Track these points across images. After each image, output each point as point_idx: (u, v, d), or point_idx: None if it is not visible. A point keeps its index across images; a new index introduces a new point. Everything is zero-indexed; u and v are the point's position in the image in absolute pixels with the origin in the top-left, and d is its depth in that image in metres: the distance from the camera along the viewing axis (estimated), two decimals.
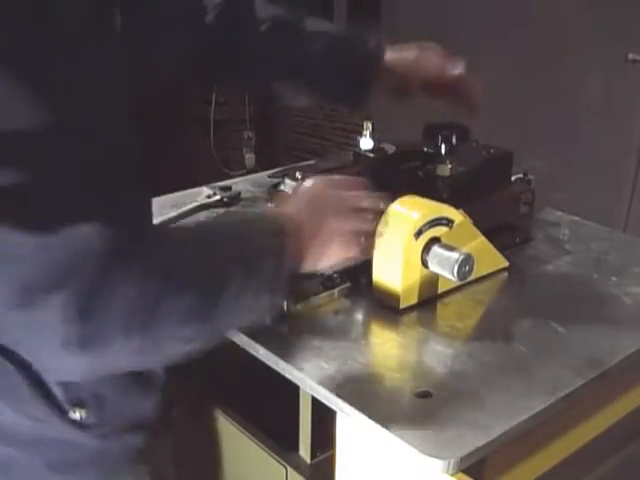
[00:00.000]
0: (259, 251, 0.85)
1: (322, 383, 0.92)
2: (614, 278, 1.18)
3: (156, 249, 0.77)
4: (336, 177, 1.02)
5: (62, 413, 0.87)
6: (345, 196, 0.97)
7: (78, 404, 0.88)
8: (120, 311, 0.72)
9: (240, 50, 1.14)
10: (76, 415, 0.87)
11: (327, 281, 1.09)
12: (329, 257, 0.95)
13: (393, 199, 1.05)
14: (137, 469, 1.00)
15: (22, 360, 0.81)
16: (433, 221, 1.03)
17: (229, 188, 1.44)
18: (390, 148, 1.30)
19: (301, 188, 0.97)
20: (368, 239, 0.99)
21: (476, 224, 1.10)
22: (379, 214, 1.00)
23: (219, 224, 0.96)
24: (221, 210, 1.39)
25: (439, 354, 0.99)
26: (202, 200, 1.40)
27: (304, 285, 1.07)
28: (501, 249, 1.16)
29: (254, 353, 1.00)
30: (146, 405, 0.97)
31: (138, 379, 0.93)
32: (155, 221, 1.25)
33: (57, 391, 0.86)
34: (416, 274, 1.05)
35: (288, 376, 0.96)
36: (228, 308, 0.81)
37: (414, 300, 1.06)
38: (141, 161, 0.84)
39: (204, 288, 0.79)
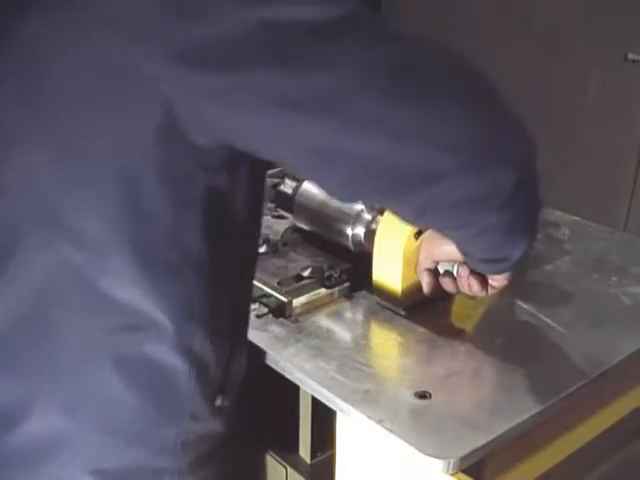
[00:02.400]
0: None
1: (322, 383, 0.92)
2: (614, 278, 1.18)
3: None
4: None
5: (211, 401, 0.86)
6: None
7: (223, 390, 0.87)
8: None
9: None
10: (218, 401, 0.87)
11: (327, 281, 1.09)
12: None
13: None
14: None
15: (197, 352, 0.81)
16: None
17: None
18: None
19: None
20: None
21: None
22: None
23: None
24: None
25: (439, 354, 0.99)
26: None
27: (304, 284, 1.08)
28: None
29: (254, 353, 1.00)
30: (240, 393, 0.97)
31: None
32: None
33: (212, 379, 0.85)
34: (416, 274, 1.05)
35: (288, 376, 0.96)
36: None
37: (414, 300, 1.06)
38: None
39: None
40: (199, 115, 0.69)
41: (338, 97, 0.68)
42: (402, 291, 1.05)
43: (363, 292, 1.11)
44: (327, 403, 0.91)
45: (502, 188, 0.78)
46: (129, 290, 0.76)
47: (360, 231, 1.12)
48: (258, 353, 1.00)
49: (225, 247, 0.80)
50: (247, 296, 0.92)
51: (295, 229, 1.25)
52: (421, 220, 0.86)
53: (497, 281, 0.96)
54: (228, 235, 0.80)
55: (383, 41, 0.71)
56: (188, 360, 0.80)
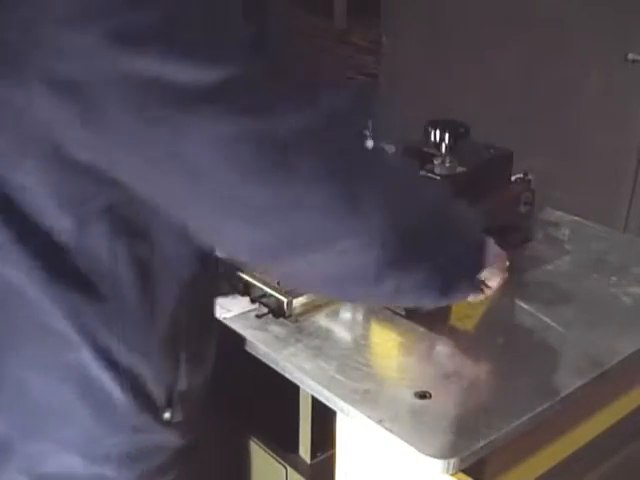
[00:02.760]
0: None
1: (322, 383, 0.92)
2: (614, 278, 1.18)
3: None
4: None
5: (159, 414, 0.86)
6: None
7: (172, 403, 0.87)
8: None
9: None
10: (167, 415, 0.86)
11: None
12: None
13: None
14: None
15: (125, 367, 0.81)
16: None
17: None
18: (390, 148, 1.29)
19: None
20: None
21: None
22: None
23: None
24: None
25: (439, 354, 0.99)
26: None
27: None
28: (501, 249, 1.16)
29: (254, 353, 1.00)
30: (206, 399, 0.96)
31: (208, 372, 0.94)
32: None
33: (155, 391, 0.85)
34: None
35: (288, 376, 0.96)
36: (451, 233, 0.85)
37: None
38: None
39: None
40: (78, 144, 0.69)
41: (195, 164, 0.68)
42: None
43: None
44: (327, 403, 0.91)
45: (365, 266, 0.77)
46: (45, 304, 0.76)
47: None
48: (258, 353, 1.00)
49: (142, 256, 0.79)
50: (194, 309, 0.88)
51: None
52: (289, 286, 0.89)
53: (490, 282, 0.96)
54: (145, 243, 0.78)
55: (257, 112, 0.68)
56: (117, 374, 0.80)
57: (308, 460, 1.10)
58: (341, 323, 1.05)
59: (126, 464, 0.86)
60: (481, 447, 0.82)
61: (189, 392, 0.88)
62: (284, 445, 1.13)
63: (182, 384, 0.87)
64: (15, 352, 0.80)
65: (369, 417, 0.86)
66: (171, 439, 0.88)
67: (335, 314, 1.07)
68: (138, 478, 0.88)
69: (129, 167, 0.70)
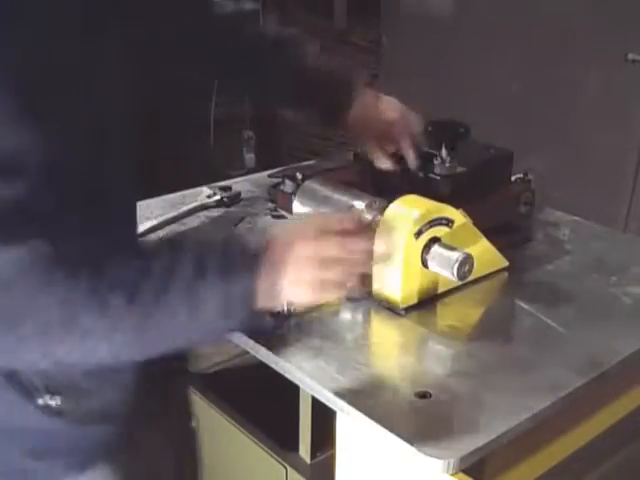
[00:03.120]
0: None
1: (322, 383, 0.92)
2: (614, 278, 1.18)
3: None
4: (329, 219, 0.98)
5: (33, 399, 0.89)
6: (329, 243, 0.91)
7: (53, 391, 0.90)
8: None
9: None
10: (50, 401, 0.90)
11: None
12: (293, 296, 0.91)
13: (392, 200, 1.05)
14: (116, 459, 1.01)
15: None
16: (433, 221, 1.03)
17: (229, 188, 1.44)
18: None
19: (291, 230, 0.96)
20: (342, 285, 0.94)
21: (476, 224, 1.10)
22: (369, 255, 0.97)
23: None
24: (221, 210, 1.39)
25: (439, 354, 0.99)
26: (202, 200, 1.40)
27: None
28: (501, 249, 1.16)
29: (254, 353, 1.00)
30: (120, 396, 0.99)
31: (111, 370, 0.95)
32: (154, 222, 1.27)
33: (29, 378, 0.88)
34: (416, 274, 1.05)
35: (288, 376, 0.96)
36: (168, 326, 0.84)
37: (414, 300, 1.06)
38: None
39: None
40: None
41: None
42: (402, 291, 1.05)
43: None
44: (327, 403, 0.91)
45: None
46: None
47: None
48: (258, 353, 1.00)
49: None
50: None
51: None
52: None
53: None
54: None
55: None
56: None
57: (308, 460, 1.10)
58: (341, 323, 1.05)
59: (15, 439, 0.92)
60: (481, 447, 0.82)
61: (84, 384, 0.92)
62: (284, 445, 1.13)
63: (64, 373, 0.90)
64: None
65: (369, 417, 0.86)
66: (58, 425, 0.92)
67: (335, 314, 1.07)
68: (26, 454, 0.93)
69: None
